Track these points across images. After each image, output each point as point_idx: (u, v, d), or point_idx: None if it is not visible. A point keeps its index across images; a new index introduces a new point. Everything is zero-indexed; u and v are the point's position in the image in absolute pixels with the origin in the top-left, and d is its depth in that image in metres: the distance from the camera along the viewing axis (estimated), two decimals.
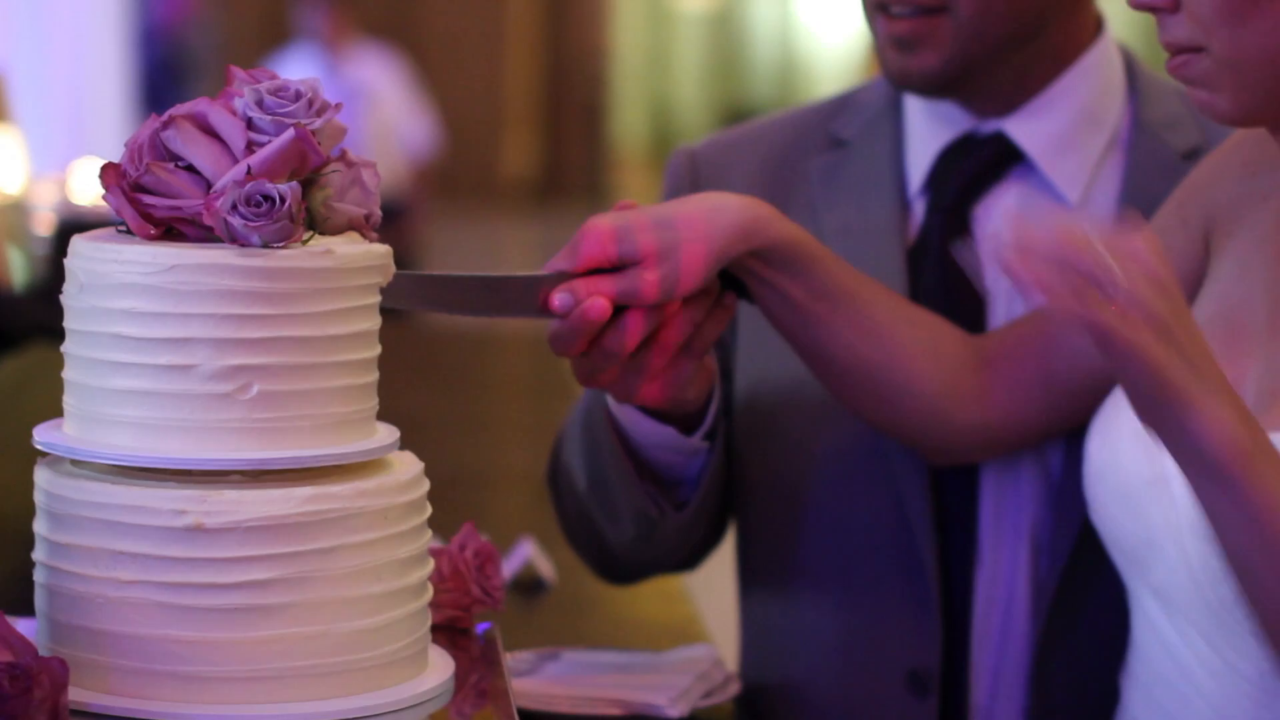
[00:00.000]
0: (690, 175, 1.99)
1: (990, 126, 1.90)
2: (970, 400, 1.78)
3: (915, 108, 1.95)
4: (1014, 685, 1.84)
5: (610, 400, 1.79)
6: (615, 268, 1.64)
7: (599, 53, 17.66)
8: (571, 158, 17.41)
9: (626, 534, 1.86)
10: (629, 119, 19.62)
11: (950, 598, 1.86)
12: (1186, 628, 1.59)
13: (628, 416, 1.79)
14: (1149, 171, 1.89)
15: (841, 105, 2.01)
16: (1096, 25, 1.93)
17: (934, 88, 1.87)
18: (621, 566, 1.97)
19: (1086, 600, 1.83)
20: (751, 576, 1.99)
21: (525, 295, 1.63)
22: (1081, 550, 1.81)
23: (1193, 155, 1.88)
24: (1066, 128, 1.89)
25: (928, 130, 1.93)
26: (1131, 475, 1.62)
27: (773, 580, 1.95)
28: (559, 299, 1.61)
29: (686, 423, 1.79)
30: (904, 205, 1.92)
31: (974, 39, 1.82)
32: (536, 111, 17.23)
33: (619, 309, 1.63)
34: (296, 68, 9.55)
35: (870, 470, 1.88)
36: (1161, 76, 1.96)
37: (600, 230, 1.63)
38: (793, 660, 1.93)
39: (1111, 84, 1.92)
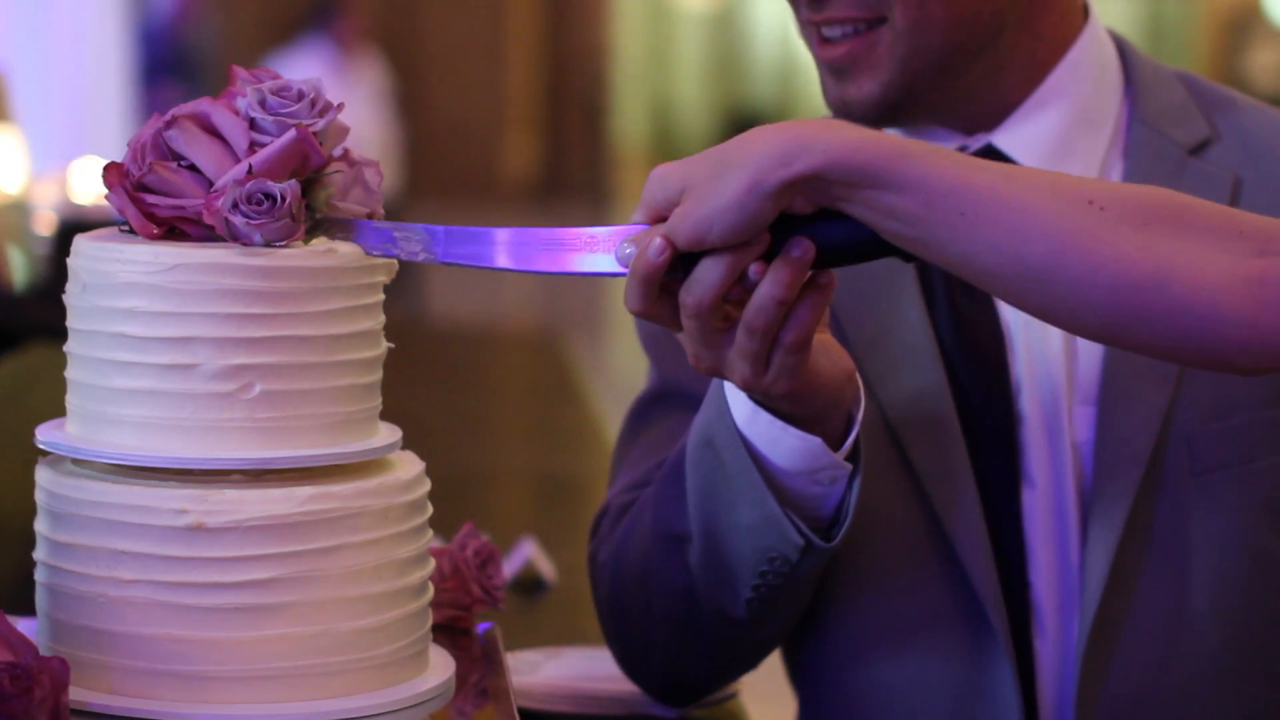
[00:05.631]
0: None
1: (979, 140, 1.76)
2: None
3: (896, 131, 1.78)
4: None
5: (738, 418, 1.59)
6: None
7: (599, 52, 17.67)
8: (572, 157, 17.42)
9: (741, 598, 1.65)
10: (629, 118, 19.62)
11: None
12: None
13: (763, 431, 1.58)
14: (1150, 171, 1.75)
15: None
16: (1081, 15, 1.79)
17: (877, 115, 1.73)
18: (721, 657, 1.74)
19: (1126, 621, 1.73)
20: (803, 653, 1.83)
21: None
22: (1117, 572, 1.72)
23: (1200, 149, 1.77)
24: (1061, 132, 1.76)
25: None
26: None
27: (827, 654, 1.80)
28: (620, 253, 1.45)
29: (827, 442, 1.59)
30: None
31: (913, 55, 1.69)
32: (537, 111, 17.24)
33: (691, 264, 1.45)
34: (306, 64, 9.61)
35: (930, 539, 1.75)
36: (1160, 64, 1.84)
37: (651, 176, 1.46)
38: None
39: (1105, 78, 1.79)
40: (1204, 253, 1.38)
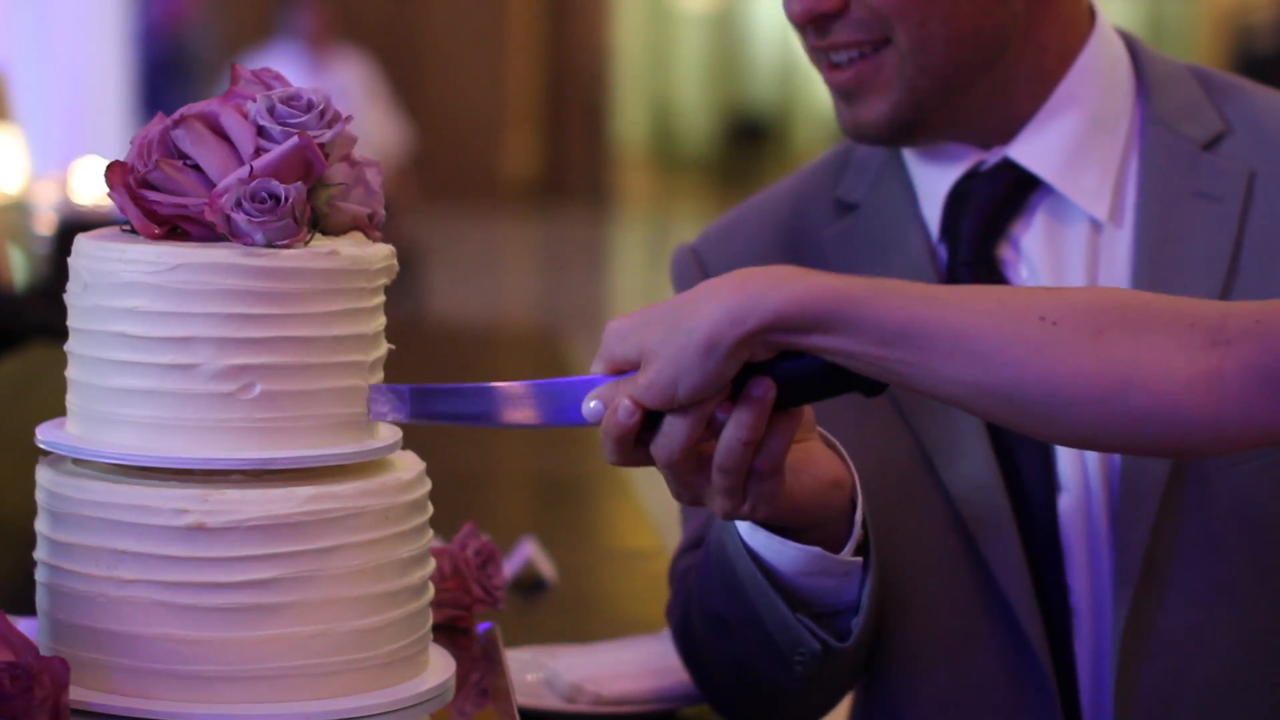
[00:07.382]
0: (699, 270, 1.85)
1: (996, 154, 1.77)
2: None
3: (913, 151, 1.81)
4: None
5: (741, 532, 1.61)
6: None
7: (600, 52, 17.68)
8: (572, 157, 17.43)
9: (793, 674, 1.66)
10: (630, 119, 19.64)
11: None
12: None
13: (763, 544, 1.60)
14: (1165, 170, 1.75)
15: (842, 165, 1.88)
16: (1087, 19, 1.79)
17: (889, 136, 1.75)
18: (791, 713, 1.76)
19: (1156, 623, 1.73)
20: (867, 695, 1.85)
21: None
22: (1146, 583, 1.72)
23: (1214, 143, 1.76)
24: (1075, 139, 1.76)
25: (930, 173, 1.80)
26: None
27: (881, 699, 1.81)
28: (586, 408, 1.47)
29: (831, 542, 1.60)
30: (933, 258, 1.78)
31: (919, 74, 1.71)
32: (537, 111, 17.25)
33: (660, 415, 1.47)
34: (279, 66, 9.61)
35: (971, 575, 1.75)
36: (1171, 59, 1.83)
37: (608, 331, 1.49)
38: None
39: (1116, 80, 1.79)
40: (1160, 353, 1.39)
